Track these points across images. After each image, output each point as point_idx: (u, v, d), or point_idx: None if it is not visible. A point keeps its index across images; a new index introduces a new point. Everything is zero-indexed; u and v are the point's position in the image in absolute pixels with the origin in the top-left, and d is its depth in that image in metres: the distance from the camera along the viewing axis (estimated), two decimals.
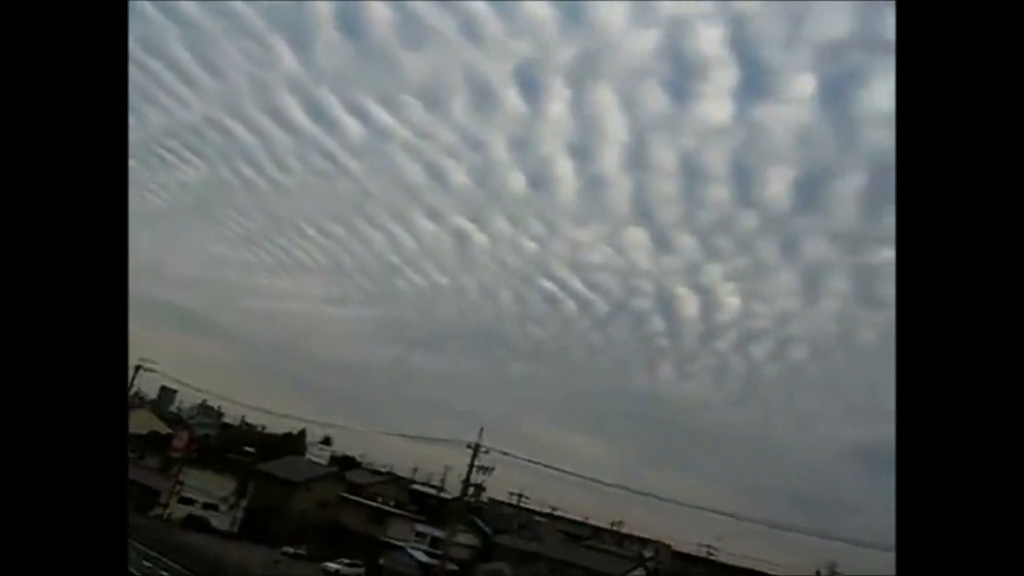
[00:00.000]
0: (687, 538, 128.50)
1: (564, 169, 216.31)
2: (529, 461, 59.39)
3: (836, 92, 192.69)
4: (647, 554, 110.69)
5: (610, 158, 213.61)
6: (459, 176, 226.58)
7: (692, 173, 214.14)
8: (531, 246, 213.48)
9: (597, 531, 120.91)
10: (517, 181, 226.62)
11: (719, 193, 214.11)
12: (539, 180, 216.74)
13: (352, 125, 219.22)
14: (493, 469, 54.56)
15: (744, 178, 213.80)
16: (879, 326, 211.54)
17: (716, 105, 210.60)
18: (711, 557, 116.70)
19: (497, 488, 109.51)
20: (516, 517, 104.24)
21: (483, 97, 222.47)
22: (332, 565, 70.98)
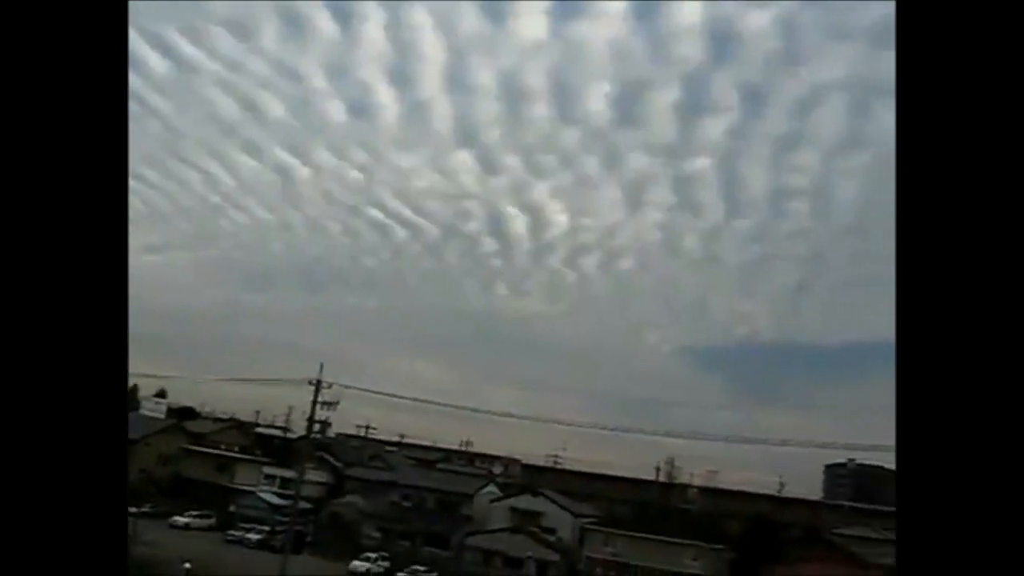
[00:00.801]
0: (535, 451, 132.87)
1: (384, 95, 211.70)
2: (373, 392, 59.52)
3: (647, 8, 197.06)
4: (497, 470, 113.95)
5: (430, 81, 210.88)
6: (275, 108, 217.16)
7: (513, 92, 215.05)
8: (356, 176, 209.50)
9: (448, 454, 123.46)
10: (336, 110, 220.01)
11: (540, 111, 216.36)
12: (359, 108, 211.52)
13: (156, 61, 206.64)
14: (337, 404, 54.21)
15: (564, 95, 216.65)
16: (700, 233, 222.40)
17: (532, 23, 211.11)
18: (558, 466, 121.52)
19: (343, 422, 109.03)
20: (365, 449, 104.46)
21: (294, 24, 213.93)
22: (181, 519, 69.65)
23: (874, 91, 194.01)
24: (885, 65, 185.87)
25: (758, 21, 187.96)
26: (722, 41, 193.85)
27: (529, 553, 70.33)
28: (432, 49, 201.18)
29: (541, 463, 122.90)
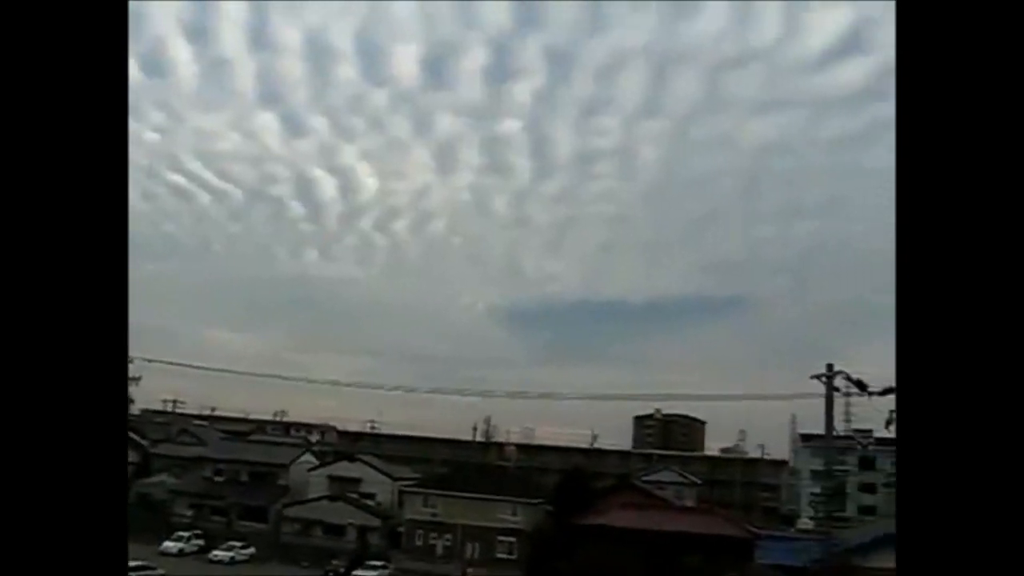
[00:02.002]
0: (352, 416, 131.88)
1: (181, 52, 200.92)
2: (179, 364, 57.09)
3: None
4: (313, 439, 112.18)
5: (231, 39, 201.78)
6: None
7: (318, 52, 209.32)
8: (153, 138, 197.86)
9: (261, 425, 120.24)
10: (130, 68, 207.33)
11: (348, 72, 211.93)
12: (155, 66, 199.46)
13: None
14: (139, 379, 51.66)
15: (371, 56, 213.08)
16: (508, 194, 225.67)
17: None
18: (375, 431, 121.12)
19: (148, 398, 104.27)
20: (173, 424, 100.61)
21: None
22: None
23: (671, 59, 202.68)
24: (682, 34, 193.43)
25: None
26: (528, 6, 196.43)
27: (349, 520, 69.88)
28: (232, 4, 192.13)
29: (358, 429, 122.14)
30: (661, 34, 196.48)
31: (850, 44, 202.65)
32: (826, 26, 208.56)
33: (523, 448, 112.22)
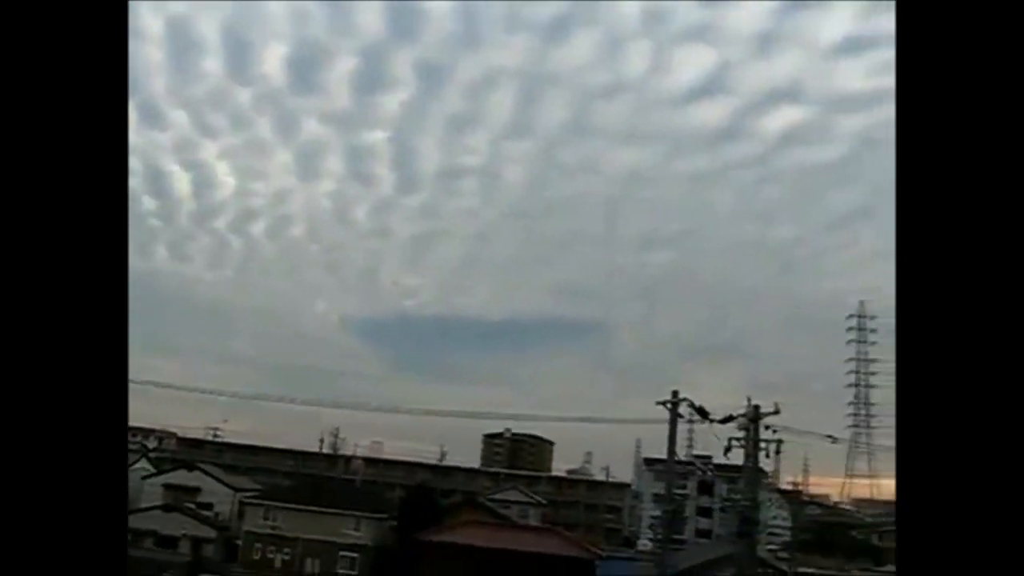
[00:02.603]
0: (193, 423, 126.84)
1: None
2: None
3: None
4: (151, 445, 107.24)
5: None
6: None
7: (181, 42, 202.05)
8: None
9: None
10: None
11: (212, 66, 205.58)
12: None
13: None
14: None
15: (238, 52, 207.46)
16: (370, 204, 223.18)
17: None
18: (218, 439, 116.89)
19: None
20: None
21: None
22: None
23: (542, 83, 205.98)
24: (554, 59, 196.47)
25: (439, 3, 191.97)
26: (403, 17, 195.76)
27: (184, 531, 66.99)
28: None
29: (200, 436, 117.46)
30: (533, 57, 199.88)
31: (712, 85, 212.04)
32: (691, 65, 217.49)
33: (370, 462, 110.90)
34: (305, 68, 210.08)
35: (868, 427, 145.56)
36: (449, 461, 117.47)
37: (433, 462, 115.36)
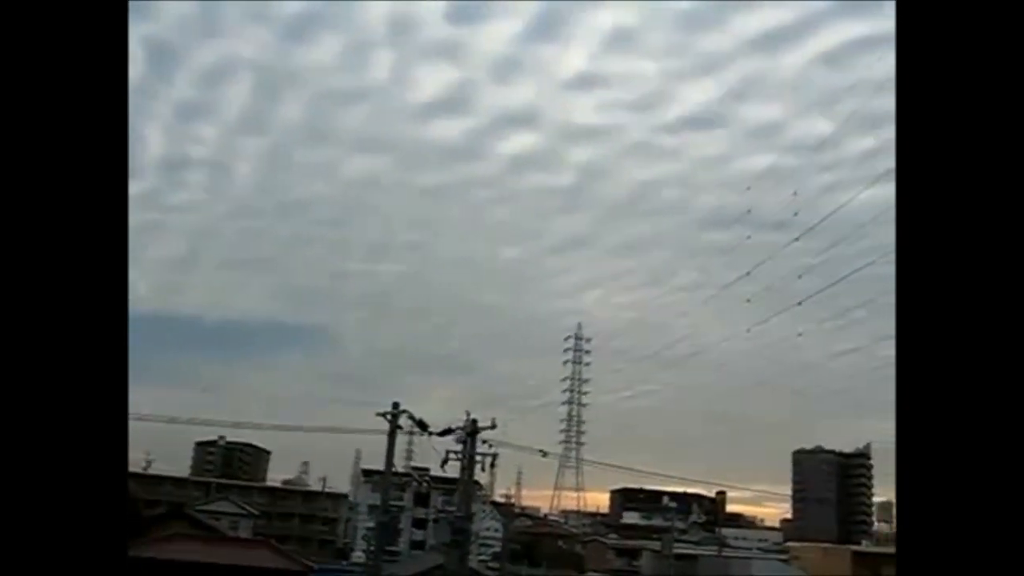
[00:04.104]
0: None
1: None
2: None
3: None
4: None
5: None
6: None
7: None
8: None
9: None
10: None
11: None
12: None
13: None
14: None
15: None
16: None
17: None
18: None
19: None
20: None
21: None
22: None
23: (281, 79, 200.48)
24: (296, 57, 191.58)
25: None
26: None
27: None
28: None
29: None
30: (274, 52, 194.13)
31: (452, 102, 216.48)
32: (433, 81, 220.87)
33: None
34: None
35: (578, 443, 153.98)
36: (155, 470, 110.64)
37: (137, 471, 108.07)
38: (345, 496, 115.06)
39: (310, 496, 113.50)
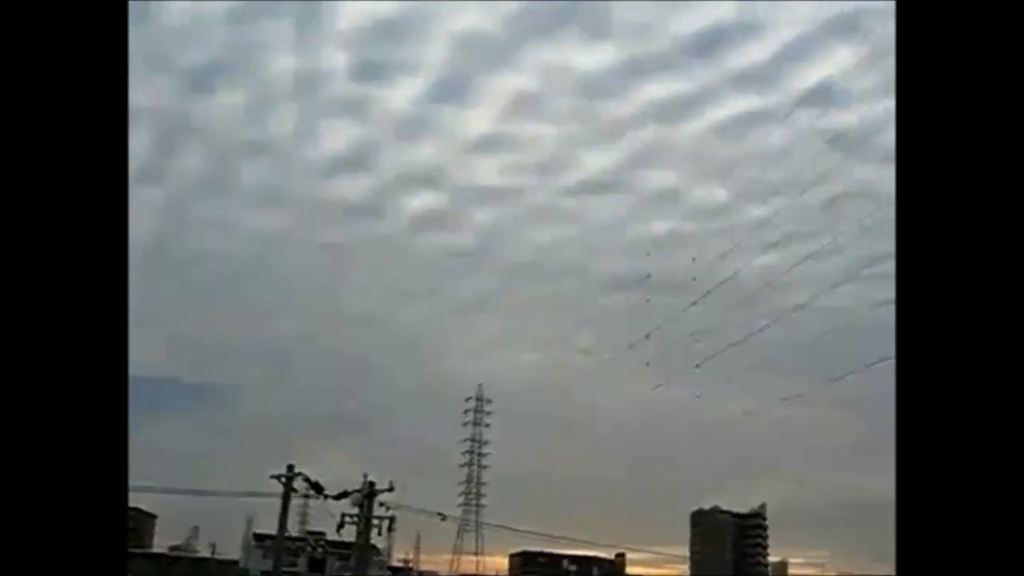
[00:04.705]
0: None
1: None
2: None
3: None
4: None
5: None
6: None
7: None
8: None
9: None
10: None
11: None
12: None
13: None
14: None
15: None
16: None
17: None
18: None
19: None
20: None
21: None
22: None
23: (181, 129, 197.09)
24: (198, 107, 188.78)
25: None
26: None
27: None
28: None
29: None
30: (176, 100, 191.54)
31: (357, 159, 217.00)
32: (338, 137, 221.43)
33: None
34: None
35: (478, 505, 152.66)
36: None
37: None
38: (236, 563, 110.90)
39: (199, 563, 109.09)
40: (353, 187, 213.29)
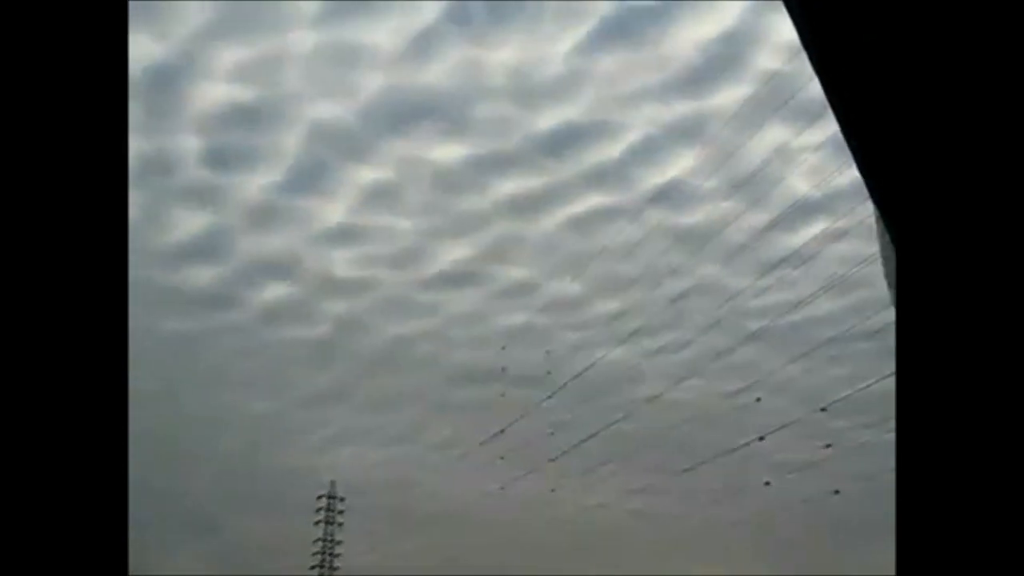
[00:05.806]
0: None
1: None
2: None
3: None
4: None
5: None
6: None
7: None
8: None
9: None
10: None
11: None
12: None
13: None
14: None
15: None
16: None
17: None
18: None
19: None
20: None
21: None
22: None
23: None
24: None
25: None
26: None
27: None
28: None
29: None
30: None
31: (206, 248, 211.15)
32: (186, 225, 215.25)
33: None
34: None
35: None
36: None
37: None
38: None
39: None
40: (201, 276, 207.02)
